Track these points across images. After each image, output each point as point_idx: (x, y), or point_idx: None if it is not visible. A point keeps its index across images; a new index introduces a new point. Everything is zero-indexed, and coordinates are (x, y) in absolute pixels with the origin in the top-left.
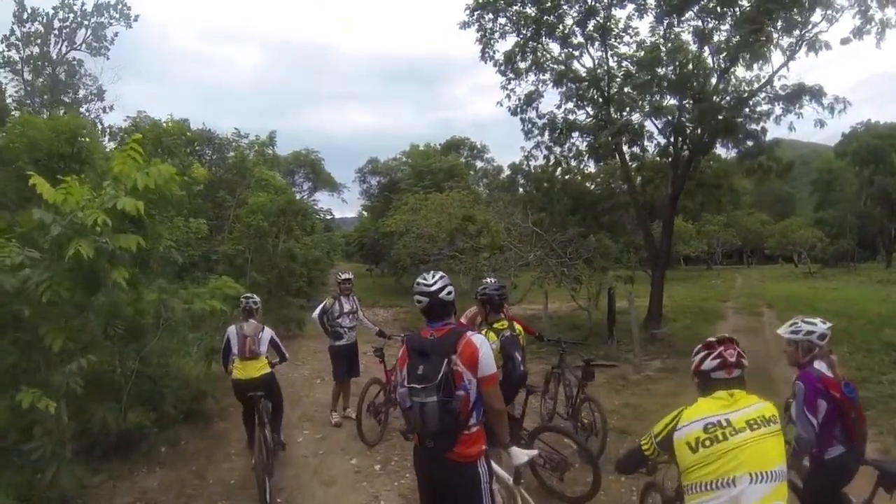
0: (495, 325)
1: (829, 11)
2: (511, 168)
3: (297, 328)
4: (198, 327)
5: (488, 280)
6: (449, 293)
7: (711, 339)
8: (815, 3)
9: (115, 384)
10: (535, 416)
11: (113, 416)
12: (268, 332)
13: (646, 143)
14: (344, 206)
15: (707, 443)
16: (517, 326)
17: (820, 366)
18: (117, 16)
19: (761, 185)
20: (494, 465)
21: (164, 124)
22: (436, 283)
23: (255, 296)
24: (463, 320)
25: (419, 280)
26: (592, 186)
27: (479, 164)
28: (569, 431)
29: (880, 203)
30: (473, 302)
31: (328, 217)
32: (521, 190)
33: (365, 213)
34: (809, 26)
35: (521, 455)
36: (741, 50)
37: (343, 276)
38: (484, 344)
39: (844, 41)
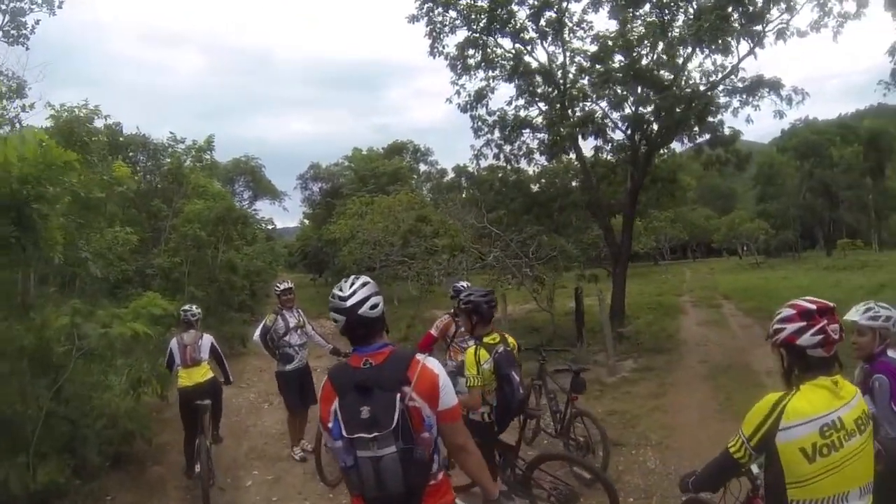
0: (485, 340)
1: (790, 3)
2: (455, 170)
3: (240, 345)
4: (128, 353)
5: (464, 284)
6: (373, 307)
7: (807, 304)
8: None
9: (22, 431)
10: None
11: (18, 474)
12: (207, 339)
13: (609, 135)
14: (285, 216)
15: (825, 450)
16: (510, 340)
17: (894, 354)
18: (39, 0)
19: (702, 182)
20: None
21: (77, 111)
22: (354, 293)
23: (193, 307)
24: (433, 332)
25: (333, 292)
26: (537, 187)
27: (422, 167)
28: (578, 459)
29: (820, 195)
30: (424, 309)
31: (269, 227)
32: (464, 194)
33: (306, 222)
34: (764, 21)
35: None
36: (706, 40)
37: (282, 287)
38: (441, 369)
39: (802, 34)
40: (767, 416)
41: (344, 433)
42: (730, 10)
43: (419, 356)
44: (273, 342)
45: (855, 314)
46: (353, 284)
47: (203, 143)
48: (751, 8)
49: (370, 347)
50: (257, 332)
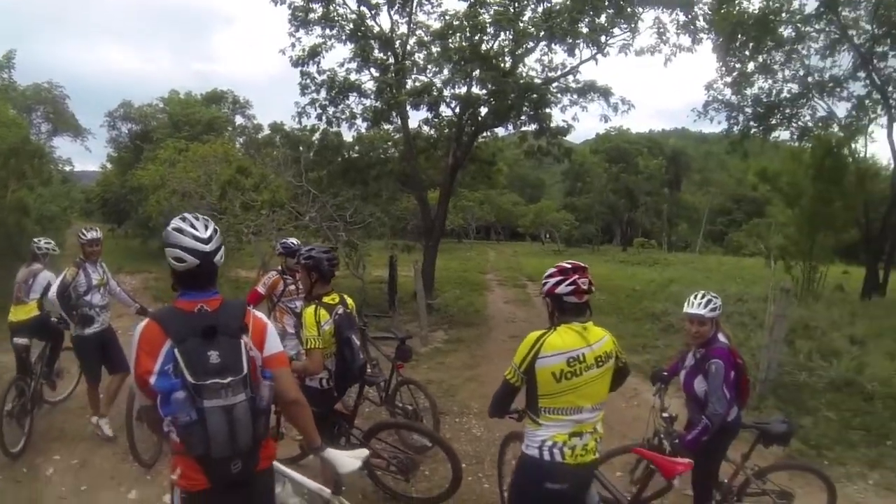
0: (325, 300)
1: (632, 25)
2: (271, 127)
3: None
4: None
5: (293, 241)
6: (222, 256)
7: (565, 264)
8: (621, 15)
9: None
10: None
11: None
12: (44, 277)
13: (440, 109)
14: (87, 157)
15: (569, 375)
16: (349, 301)
17: (722, 337)
18: None
19: (513, 169)
20: (298, 476)
21: None
22: (212, 237)
23: (43, 239)
24: (261, 290)
25: (183, 227)
26: (352, 153)
27: (238, 119)
28: (418, 426)
29: (623, 196)
30: (229, 268)
31: (67, 168)
32: (275, 152)
33: (109, 165)
34: (609, 34)
35: (346, 462)
36: (558, 36)
37: (90, 235)
38: (267, 319)
39: (640, 53)
40: (531, 349)
41: (191, 379)
42: (580, 15)
43: (248, 306)
44: (71, 300)
45: (697, 308)
46: (207, 227)
47: (1, 59)
48: (597, 20)
49: (205, 293)
50: (54, 289)
